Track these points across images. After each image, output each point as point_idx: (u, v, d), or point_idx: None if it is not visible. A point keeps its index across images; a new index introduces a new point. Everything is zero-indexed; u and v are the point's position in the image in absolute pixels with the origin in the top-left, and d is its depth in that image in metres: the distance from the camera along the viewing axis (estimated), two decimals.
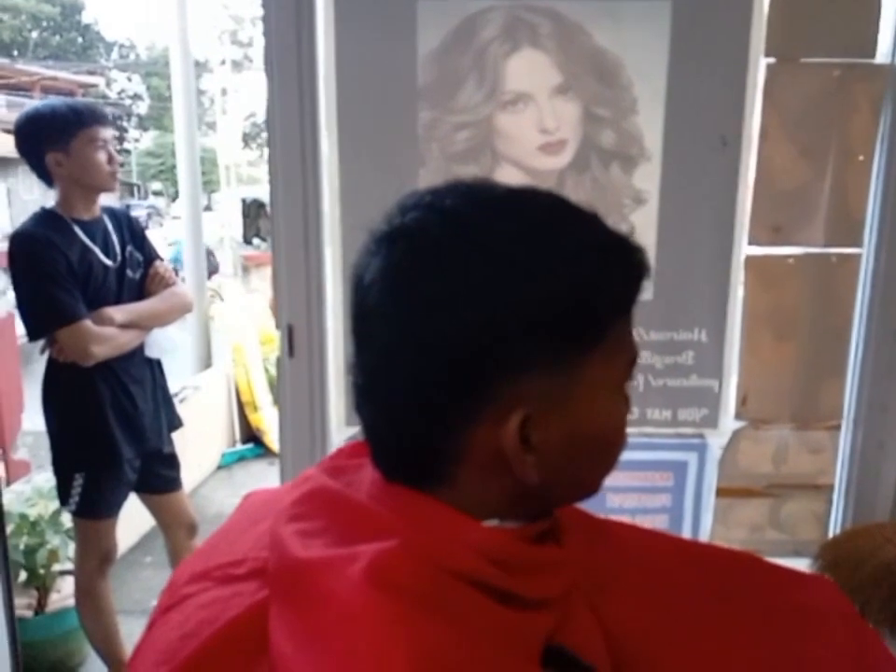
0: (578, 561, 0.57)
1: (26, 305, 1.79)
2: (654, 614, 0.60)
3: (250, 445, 4.30)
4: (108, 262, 1.87)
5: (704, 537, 1.70)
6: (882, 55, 1.48)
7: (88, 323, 1.76)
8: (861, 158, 1.50)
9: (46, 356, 1.88)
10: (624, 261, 0.51)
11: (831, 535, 1.69)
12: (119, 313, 1.84)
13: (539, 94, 1.48)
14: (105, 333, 1.80)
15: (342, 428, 1.60)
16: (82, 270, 1.80)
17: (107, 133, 1.83)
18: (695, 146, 1.50)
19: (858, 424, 1.62)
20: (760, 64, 1.47)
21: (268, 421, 4.22)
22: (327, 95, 1.49)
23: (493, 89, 1.48)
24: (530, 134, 1.49)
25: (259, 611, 0.48)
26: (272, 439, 4.19)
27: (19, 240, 1.78)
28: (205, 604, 0.51)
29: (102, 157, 1.80)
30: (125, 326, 1.86)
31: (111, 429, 1.85)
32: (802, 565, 1.68)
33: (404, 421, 0.50)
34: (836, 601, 0.67)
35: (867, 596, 1.56)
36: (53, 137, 1.78)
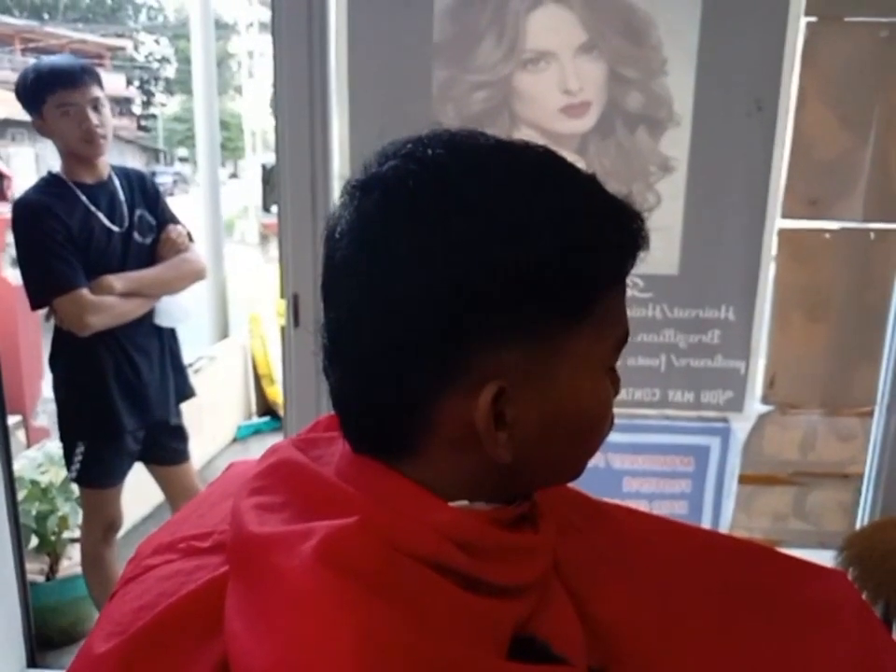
0: (554, 547, 0.53)
1: (25, 274, 1.75)
2: (648, 603, 0.57)
3: (266, 418, 4.28)
4: (113, 227, 1.81)
5: (724, 525, 1.63)
6: None
7: (84, 292, 1.71)
8: None
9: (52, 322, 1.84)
10: (621, 228, 0.46)
11: (858, 526, 1.61)
12: (119, 281, 1.78)
13: (562, 53, 1.39)
14: (104, 302, 1.75)
15: None
16: (83, 236, 1.75)
17: (80, 95, 1.72)
18: (728, 110, 1.40)
19: (892, 411, 1.54)
20: (799, 24, 1.37)
21: None
22: (337, 54, 1.42)
23: (512, 47, 1.39)
24: (552, 95, 1.40)
25: (219, 586, 0.46)
26: None
27: (18, 208, 1.74)
28: (167, 576, 0.50)
29: (70, 123, 1.72)
30: (127, 294, 1.81)
31: (113, 399, 1.82)
32: (826, 556, 1.60)
33: (371, 387, 0.46)
34: (847, 595, 0.64)
35: (890, 591, 1.49)
36: (29, 103, 1.73)
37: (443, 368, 0.43)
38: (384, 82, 1.42)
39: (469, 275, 0.41)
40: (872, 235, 1.45)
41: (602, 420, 0.49)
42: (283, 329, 1.56)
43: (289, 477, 0.49)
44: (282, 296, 1.54)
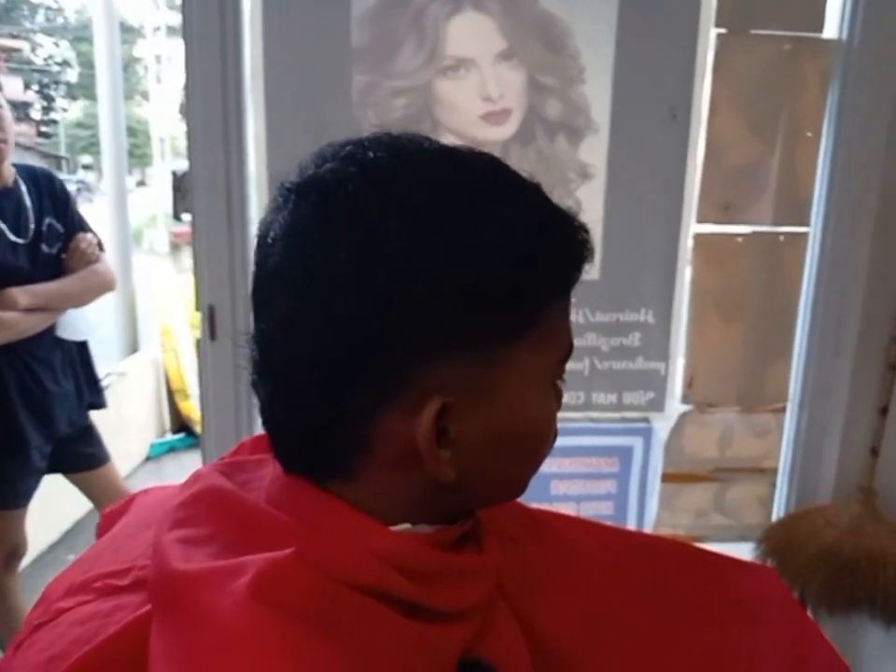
0: (499, 567, 0.51)
1: None
2: (586, 616, 0.56)
3: (181, 435, 4.12)
4: (17, 240, 1.70)
5: (649, 523, 1.67)
6: (831, 30, 1.44)
7: None
8: (809, 134, 1.47)
9: None
10: (566, 240, 0.45)
11: (774, 519, 1.67)
12: (24, 295, 1.67)
13: (481, 60, 1.39)
14: (6, 319, 1.64)
15: None
16: None
17: None
18: (644, 118, 1.43)
19: (803, 406, 1.60)
20: (710, 35, 1.41)
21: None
22: (252, 59, 1.37)
23: (432, 53, 1.38)
24: (472, 103, 1.40)
25: (141, 628, 0.42)
26: None
27: None
28: (81, 620, 0.45)
29: None
30: (32, 309, 1.70)
31: (16, 415, 1.71)
32: (746, 549, 1.66)
33: (305, 403, 0.43)
34: (774, 589, 0.65)
35: (808, 579, 1.55)
36: None
37: (382, 383, 0.41)
38: (301, 87, 1.38)
39: (411, 287, 0.39)
40: (781, 238, 1.51)
41: (547, 434, 0.47)
42: (198, 342, 1.49)
43: (215, 506, 0.45)
44: (197, 308, 1.48)
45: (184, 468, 3.88)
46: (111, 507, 0.64)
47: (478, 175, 0.44)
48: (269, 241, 0.42)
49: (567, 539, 0.63)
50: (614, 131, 1.43)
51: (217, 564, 0.40)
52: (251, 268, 1.45)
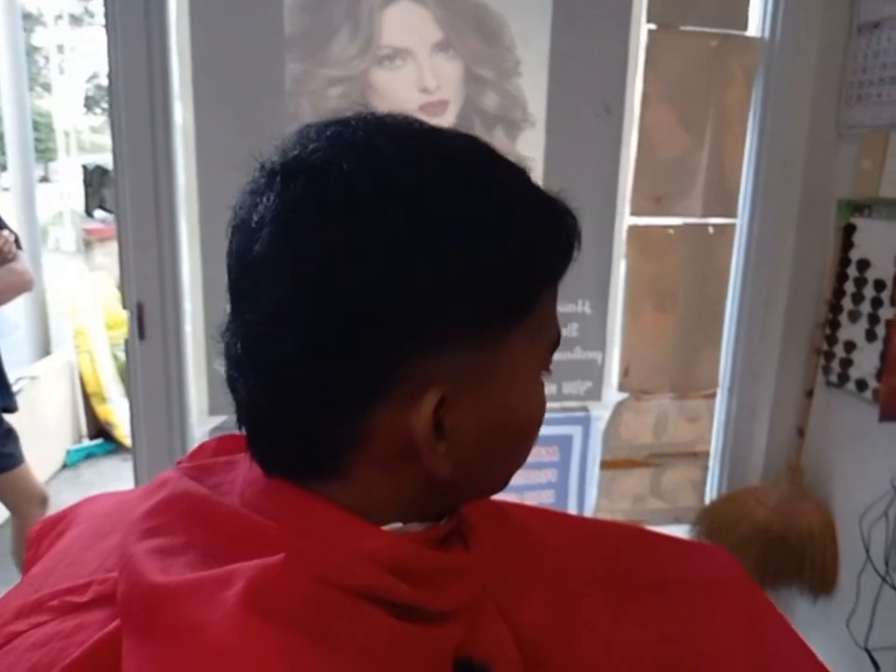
0: (488, 564, 0.50)
1: None
2: (555, 604, 0.56)
3: (99, 441, 3.92)
4: None
5: (589, 510, 1.69)
6: (755, 28, 1.50)
7: None
8: (736, 129, 1.52)
9: None
10: (560, 226, 0.44)
11: (708, 500, 1.73)
12: None
13: (418, 50, 1.37)
14: None
15: (203, 419, 1.45)
16: None
17: None
18: (579, 112, 1.45)
19: (732, 392, 1.66)
20: (641, 30, 1.44)
21: (118, 413, 3.87)
22: (179, 47, 1.31)
23: (368, 42, 1.36)
24: (409, 93, 1.38)
25: (109, 647, 0.38)
26: (123, 433, 3.85)
27: None
28: (39, 643, 0.41)
29: None
30: None
31: None
32: (681, 531, 1.71)
33: (293, 398, 0.40)
34: (729, 569, 0.66)
35: (740, 557, 1.60)
36: None
37: (379, 373, 0.39)
38: (232, 77, 1.33)
39: (411, 270, 0.37)
40: (710, 230, 1.56)
41: (538, 425, 0.46)
42: (126, 342, 1.42)
43: (189, 513, 0.42)
44: (124, 306, 1.41)
45: (103, 474, 3.71)
46: (46, 518, 0.59)
47: (470, 156, 0.42)
48: (252, 226, 0.39)
49: (527, 528, 0.62)
50: (550, 124, 1.44)
51: (202, 574, 0.37)
52: (183, 264, 1.39)
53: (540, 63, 1.42)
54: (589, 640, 0.56)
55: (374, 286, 0.37)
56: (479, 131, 1.42)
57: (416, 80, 1.39)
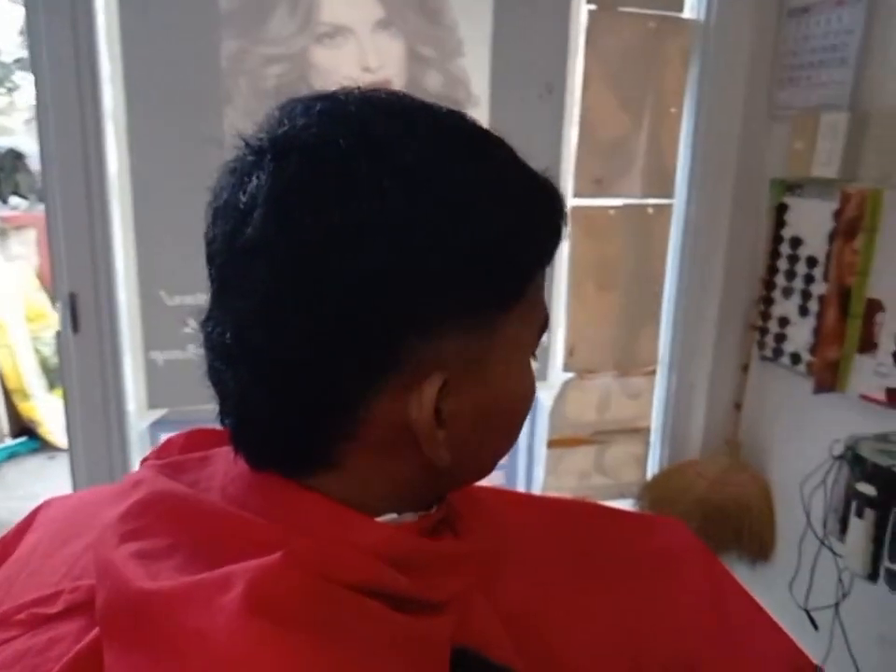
0: (481, 550, 0.50)
1: None
2: (536, 589, 0.56)
3: (23, 439, 3.74)
4: None
5: (537, 488, 1.72)
6: (691, 10, 1.52)
7: None
8: (673, 110, 1.55)
9: None
10: (552, 207, 0.43)
11: (650, 475, 1.77)
12: None
13: (359, 28, 1.34)
14: None
15: (143, 413, 1.39)
16: None
17: None
18: (522, 92, 1.45)
19: (672, 368, 1.70)
20: (582, 10, 1.44)
21: (43, 410, 3.69)
22: (108, 21, 1.24)
23: (307, 19, 1.32)
24: (351, 72, 1.35)
25: (89, 661, 0.36)
26: (49, 430, 3.68)
27: None
28: (10, 661, 0.39)
29: None
30: None
31: None
32: (626, 506, 1.75)
33: (289, 387, 0.38)
34: (687, 541, 0.67)
35: None
36: None
37: (378, 359, 0.37)
38: (164, 53, 1.27)
39: (411, 251, 0.36)
40: (650, 210, 1.59)
41: (527, 406, 0.46)
42: (57, 335, 1.35)
43: (171, 513, 0.40)
44: (53, 297, 1.34)
45: (29, 474, 3.54)
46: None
47: (465, 134, 0.41)
48: (241, 207, 0.37)
49: (498, 511, 0.62)
50: (494, 104, 1.44)
51: (197, 578, 0.35)
52: (116, 253, 1.32)
53: (483, 42, 1.41)
54: (567, 619, 0.56)
55: (375, 269, 0.36)
56: None
57: (358, 59, 1.35)
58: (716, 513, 1.63)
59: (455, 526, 0.48)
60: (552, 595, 0.57)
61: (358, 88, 0.41)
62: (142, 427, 1.41)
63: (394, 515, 0.42)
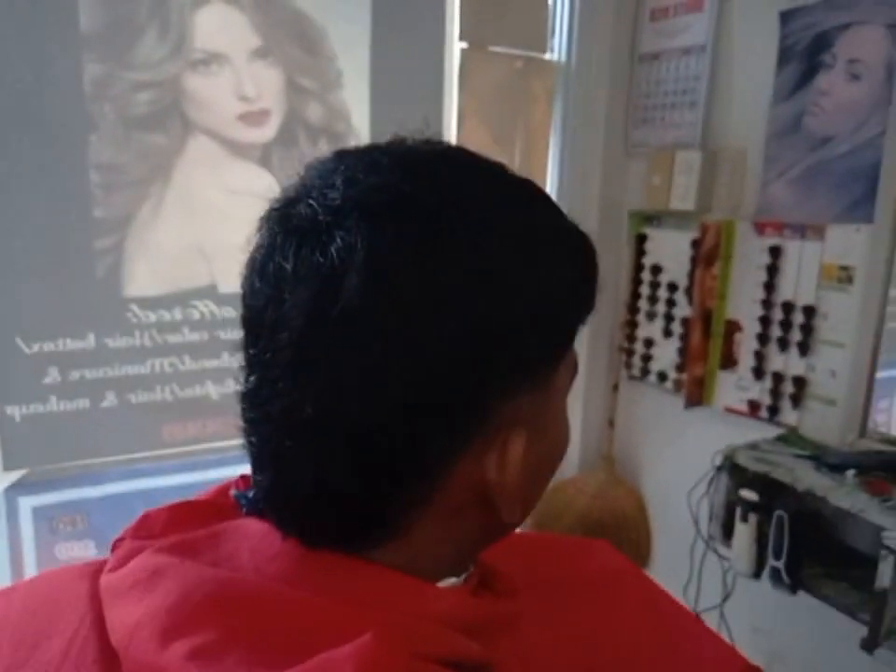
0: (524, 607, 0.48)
1: None
2: (531, 627, 0.54)
3: None
4: None
5: None
6: (554, 52, 1.61)
7: None
8: (541, 145, 1.62)
9: None
10: (595, 261, 0.43)
11: None
12: None
13: (235, 56, 1.29)
14: None
15: None
16: None
17: None
18: (400, 126, 1.45)
19: None
20: (454, 48, 1.48)
21: None
22: None
23: (179, 44, 1.25)
24: (228, 101, 1.29)
25: None
26: None
27: None
28: None
29: None
30: None
31: None
32: None
33: (373, 459, 0.36)
34: (621, 561, 0.69)
35: None
36: None
37: (469, 420, 0.36)
38: (21, 75, 1.15)
39: (503, 316, 0.35)
40: None
41: (565, 451, 0.46)
42: None
43: (214, 601, 0.35)
44: None
45: None
46: None
47: (526, 190, 0.41)
48: (324, 272, 0.33)
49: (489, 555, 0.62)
50: (375, 137, 1.42)
51: None
52: None
53: (362, 75, 1.41)
54: (546, 651, 0.56)
55: (472, 331, 0.34)
56: (303, 142, 1.37)
57: (235, 87, 1.30)
58: (596, 526, 1.71)
59: (490, 582, 0.46)
60: (523, 631, 0.57)
61: (402, 139, 0.40)
62: None
63: (453, 579, 0.40)
